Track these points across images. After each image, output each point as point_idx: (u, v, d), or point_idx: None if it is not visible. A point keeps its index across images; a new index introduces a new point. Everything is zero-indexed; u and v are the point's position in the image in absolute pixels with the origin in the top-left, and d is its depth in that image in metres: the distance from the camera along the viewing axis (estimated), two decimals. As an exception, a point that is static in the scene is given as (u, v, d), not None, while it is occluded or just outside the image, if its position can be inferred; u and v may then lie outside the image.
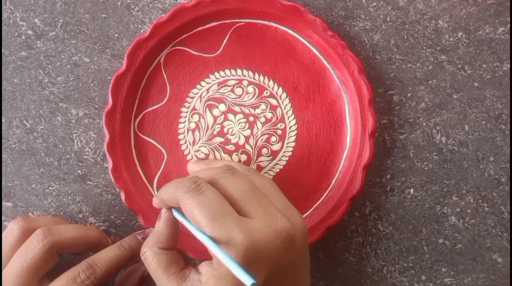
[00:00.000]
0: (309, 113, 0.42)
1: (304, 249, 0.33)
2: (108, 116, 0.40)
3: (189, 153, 0.41)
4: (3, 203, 0.42)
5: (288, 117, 0.42)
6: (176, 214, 0.34)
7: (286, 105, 0.42)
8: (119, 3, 0.42)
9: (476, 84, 0.42)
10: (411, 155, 0.42)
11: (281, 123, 0.42)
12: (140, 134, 0.41)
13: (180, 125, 0.41)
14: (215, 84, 0.41)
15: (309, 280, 0.34)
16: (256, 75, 0.41)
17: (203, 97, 0.41)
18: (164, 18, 0.40)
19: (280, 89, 0.41)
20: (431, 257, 0.43)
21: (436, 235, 0.43)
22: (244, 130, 0.41)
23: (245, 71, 0.41)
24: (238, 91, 0.41)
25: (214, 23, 0.41)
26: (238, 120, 0.41)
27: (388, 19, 0.42)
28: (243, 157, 0.41)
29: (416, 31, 0.42)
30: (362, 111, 0.40)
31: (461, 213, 0.43)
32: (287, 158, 0.42)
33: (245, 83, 0.41)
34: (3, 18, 0.42)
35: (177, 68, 0.41)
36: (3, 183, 0.42)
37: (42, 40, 0.42)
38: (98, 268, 0.35)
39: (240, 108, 0.41)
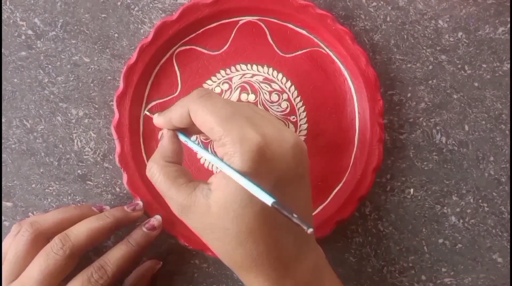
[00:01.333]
0: (320, 113, 0.42)
1: (308, 167, 0.33)
2: (119, 99, 0.40)
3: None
4: (3, 203, 0.42)
5: (299, 112, 0.42)
6: (181, 136, 0.34)
7: (298, 102, 0.42)
8: (119, 3, 0.42)
9: (476, 84, 0.42)
10: (411, 155, 0.42)
11: (293, 116, 0.42)
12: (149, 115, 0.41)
13: None
14: (224, 80, 0.42)
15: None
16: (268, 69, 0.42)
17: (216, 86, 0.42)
18: (174, 18, 0.40)
19: (292, 86, 0.42)
20: (431, 257, 0.43)
21: (436, 235, 0.43)
22: None
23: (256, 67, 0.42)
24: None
25: (222, 21, 0.41)
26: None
27: (388, 19, 0.42)
28: None
29: (416, 31, 0.42)
30: (371, 121, 0.41)
31: (461, 213, 0.43)
32: None
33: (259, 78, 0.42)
34: (3, 18, 0.42)
35: (188, 66, 0.41)
36: (3, 183, 0.42)
37: (42, 40, 0.42)
38: (109, 267, 0.36)
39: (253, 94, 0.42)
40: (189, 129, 0.34)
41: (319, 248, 0.34)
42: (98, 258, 0.37)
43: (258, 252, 0.30)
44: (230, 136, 0.29)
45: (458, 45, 0.42)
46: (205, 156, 0.31)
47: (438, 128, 0.42)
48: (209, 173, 0.41)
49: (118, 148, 0.40)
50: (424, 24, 0.42)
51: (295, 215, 0.26)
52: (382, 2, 0.42)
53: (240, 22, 0.41)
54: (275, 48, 0.41)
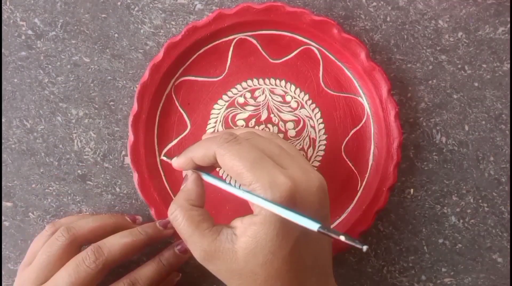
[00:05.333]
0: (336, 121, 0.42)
1: (329, 207, 0.33)
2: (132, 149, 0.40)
3: None
4: (3, 203, 0.42)
5: (319, 131, 0.42)
6: (206, 177, 0.34)
7: (316, 113, 0.42)
8: (119, 3, 0.42)
9: (476, 84, 0.42)
10: (411, 155, 0.42)
11: (311, 129, 0.42)
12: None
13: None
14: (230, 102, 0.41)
15: None
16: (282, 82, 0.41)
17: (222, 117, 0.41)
18: (160, 57, 0.40)
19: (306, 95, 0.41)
20: (431, 257, 0.43)
21: (436, 235, 0.43)
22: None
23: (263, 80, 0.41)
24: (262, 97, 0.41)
25: (217, 41, 0.41)
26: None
27: (388, 19, 0.42)
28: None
29: (416, 31, 0.42)
30: (388, 149, 0.40)
31: (461, 213, 0.43)
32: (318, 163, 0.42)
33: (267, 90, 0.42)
34: (3, 18, 0.42)
35: (189, 95, 0.41)
36: (3, 183, 0.42)
37: (42, 40, 0.42)
38: (139, 285, 0.36)
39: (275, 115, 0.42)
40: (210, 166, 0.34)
41: None
42: (128, 273, 0.37)
43: None
44: (259, 182, 0.29)
45: (458, 45, 0.42)
46: (236, 193, 0.31)
47: (438, 128, 0.42)
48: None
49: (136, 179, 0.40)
50: (424, 24, 0.42)
51: (342, 237, 0.26)
52: (382, 2, 0.42)
53: (234, 41, 0.41)
54: (268, 58, 0.41)
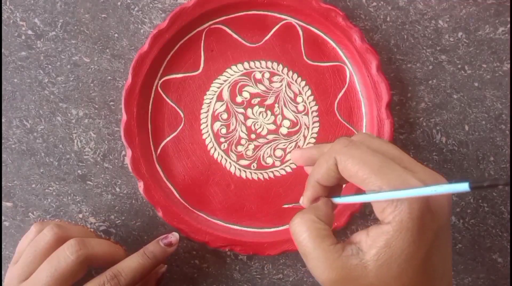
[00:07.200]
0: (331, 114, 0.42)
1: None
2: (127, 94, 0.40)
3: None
4: (3, 203, 0.42)
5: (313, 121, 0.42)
6: (336, 200, 0.32)
7: (312, 105, 0.42)
8: (119, 3, 0.42)
9: (476, 84, 0.42)
10: (411, 155, 0.42)
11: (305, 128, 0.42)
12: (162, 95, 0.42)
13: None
14: (243, 71, 0.42)
15: None
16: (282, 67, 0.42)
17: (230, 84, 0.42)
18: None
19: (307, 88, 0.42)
20: (431, 257, 0.43)
21: (436, 235, 0.43)
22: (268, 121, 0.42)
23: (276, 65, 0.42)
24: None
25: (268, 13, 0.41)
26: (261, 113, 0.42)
27: (388, 19, 0.42)
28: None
29: (416, 31, 0.42)
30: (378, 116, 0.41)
31: (461, 213, 0.43)
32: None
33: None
34: (3, 18, 0.42)
35: (217, 45, 0.41)
36: (3, 183, 0.42)
37: (42, 40, 0.42)
38: (122, 278, 0.35)
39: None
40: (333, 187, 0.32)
41: None
42: (111, 267, 0.36)
43: None
44: (391, 185, 0.27)
45: (458, 45, 0.42)
46: (367, 199, 0.29)
47: (438, 128, 0.42)
48: (220, 165, 0.42)
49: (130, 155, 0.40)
50: (424, 24, 0.42)
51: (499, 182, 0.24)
52: (382, 2, 0.42)
53: (282, 22, 0.41)
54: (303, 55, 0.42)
